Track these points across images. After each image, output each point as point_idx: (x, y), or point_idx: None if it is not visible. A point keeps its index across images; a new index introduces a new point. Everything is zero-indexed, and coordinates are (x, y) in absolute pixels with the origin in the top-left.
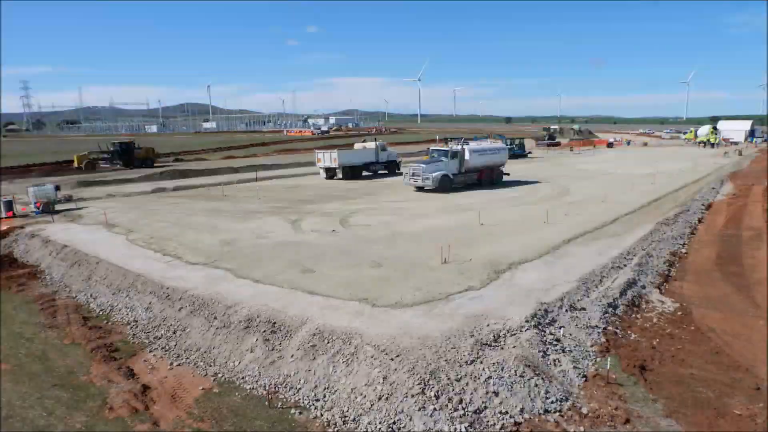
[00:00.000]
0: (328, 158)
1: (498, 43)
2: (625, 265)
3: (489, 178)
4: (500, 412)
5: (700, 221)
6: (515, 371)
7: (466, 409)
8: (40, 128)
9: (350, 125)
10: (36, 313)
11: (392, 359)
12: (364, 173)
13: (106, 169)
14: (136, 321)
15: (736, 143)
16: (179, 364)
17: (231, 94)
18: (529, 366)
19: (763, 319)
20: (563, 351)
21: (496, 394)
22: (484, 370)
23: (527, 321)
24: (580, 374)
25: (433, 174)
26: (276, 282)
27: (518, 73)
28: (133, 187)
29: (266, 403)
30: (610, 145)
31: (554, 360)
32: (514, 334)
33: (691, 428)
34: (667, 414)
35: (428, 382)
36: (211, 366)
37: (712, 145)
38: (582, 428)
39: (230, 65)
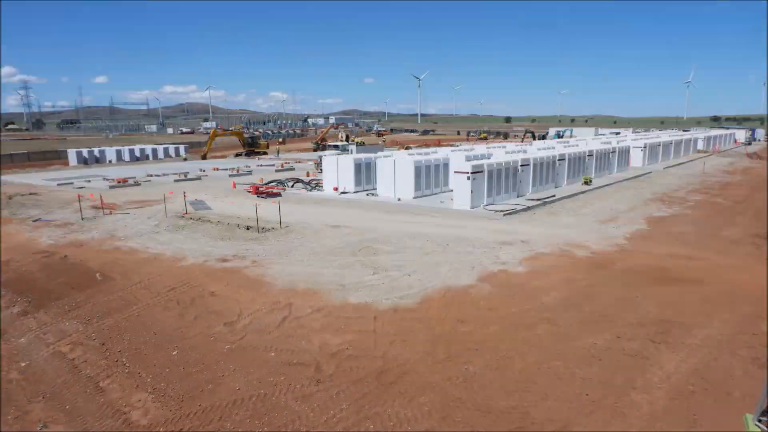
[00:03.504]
0: None
1: (498, 43)
2: None
3: None
4: None
5: None
6: None
7: None
8: (39, 128)
9: (349, 125)
10: None
11: None
12: None
13: None
14: None
15: None
16: None
17: (231, 93)
18: None
19: None
20: None
21: None
22: None
23: None
24: None
25: None
26: None
27: (519, 71)
28: None
29: None
30: None
31: None
32: None
33: None
34: None
35: None
36: None
37: None
38: None
39: (230, 64)
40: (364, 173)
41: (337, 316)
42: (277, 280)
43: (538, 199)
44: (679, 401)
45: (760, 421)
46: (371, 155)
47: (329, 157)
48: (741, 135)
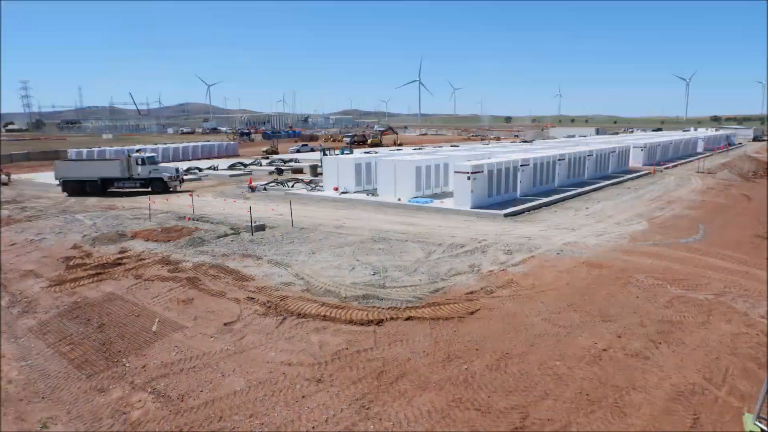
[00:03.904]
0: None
1: (498, 42)
2: None
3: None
4: None
5: None
6: None
7: None
8: (39, 128)
9: (349, 125)
10: None
11: None
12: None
13: None
14: None
15: None
16: None
17: (231, 92)
18: None
19: None
20: None
21: None
22: None
23: None
24: None
25: None
26: None
27: (519, 71)
28: None
29: None
30: None
31: None
32: None
33: None
34: None
35: None
36: None
37: None
38: None
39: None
40: (365, 173)
41: (337, 316)
42: (277, 279)
43: (538, 200)
44: (679, 401)
45: (760, 421)
46: (371, 156)
47: (330, 158)
48: (742, 135)
